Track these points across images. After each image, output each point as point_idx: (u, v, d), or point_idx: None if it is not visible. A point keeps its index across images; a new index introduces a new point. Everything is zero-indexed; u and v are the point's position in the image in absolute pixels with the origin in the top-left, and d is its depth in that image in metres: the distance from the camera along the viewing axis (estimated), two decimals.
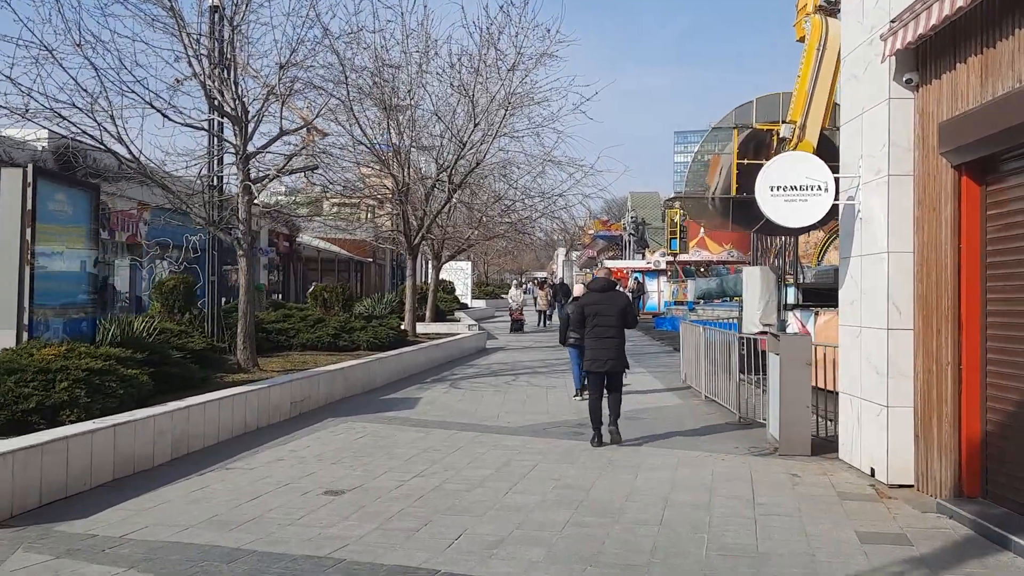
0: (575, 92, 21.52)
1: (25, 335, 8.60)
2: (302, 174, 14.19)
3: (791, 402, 8.44)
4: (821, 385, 9.20)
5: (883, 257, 7.14)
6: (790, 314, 14.58)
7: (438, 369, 17.01)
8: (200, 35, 12.39)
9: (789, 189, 7.69)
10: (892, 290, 7.05)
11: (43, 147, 17.14)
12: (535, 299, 40.28)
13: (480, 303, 49.42)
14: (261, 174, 13.46)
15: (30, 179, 8.63)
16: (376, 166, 19.51)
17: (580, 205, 24.25)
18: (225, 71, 12.73)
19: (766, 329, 14.53)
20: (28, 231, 8.62)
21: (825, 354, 9.44)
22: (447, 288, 40.24)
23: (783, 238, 14.90)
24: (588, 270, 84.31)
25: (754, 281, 14.50)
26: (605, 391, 9.23)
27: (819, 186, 7.69)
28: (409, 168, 20.49)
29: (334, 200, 24.84)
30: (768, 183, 7.69)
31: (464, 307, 40.31)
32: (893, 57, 6.91)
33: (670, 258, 38.64)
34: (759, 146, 12.79)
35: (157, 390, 9.38)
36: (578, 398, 12.81)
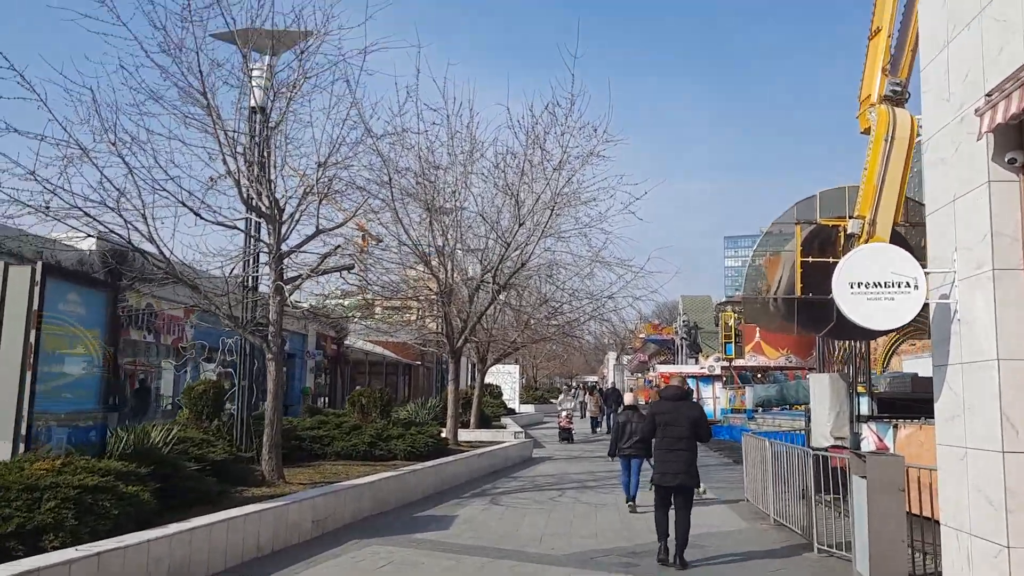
0: (623, 191, 20.83)
1: (23, 447, 7.88)
2: (339, 274, 13.64)
3: (882, 535, 7.20)
4: (908, 509, 8.00)
5: (991, 365, 6.05)
6: (864, 427, 13.27)
7: (479, 481, 15.87)
8: (237, 132, 12.08)
9: (872, 286, 6.72)
10: (1005, 405, 5.93)
11: (91, 249, 16.97)
12: (583, 404, 38.95)
13: (528, 408, 48.15)
14: (295, 274, 12.91)
15: (38, 277, 8.07)
16: (420, 267, 18.96)
17: (630, 308, 23.38)
18: (261, 169, 12.36)
19: (838, 443, 13.23)
20: (33, 333, 8.00)
21: (918, 476, 8.21)
22: (493, 392, 39.20)
23: (851, 342, 13.73)
24: (639, 375, 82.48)
25: (823, 390, 13.29)
26: (671, 509, 8.73)
27: (907, 282, 6.70)
28: (453, 269, 19.92)
29: (385, 304, 24.39)
30: (847, 279, 6.73)
31: (511, 412, 39.11)
32: (991, 134, 6.00)
33: (725, 363, 37.19)
34: (824, 243, 11.84)
35: (165, 507, 8.52)
36: (629, 506, 12.15)
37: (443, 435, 19.18)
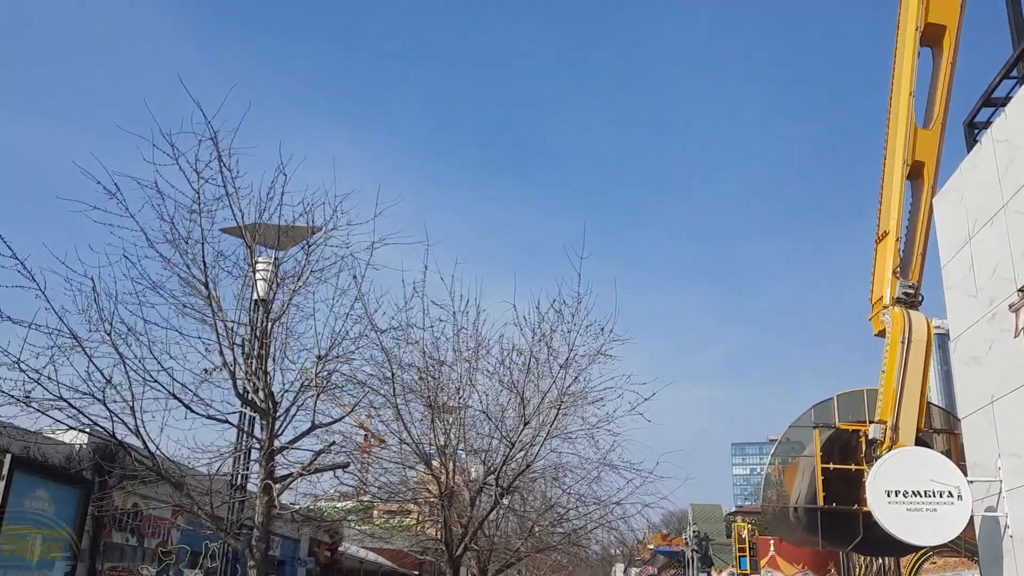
0: (631, 391, 20.38)
1: None
2: (333, 474, 12.92)
3: None
4: None
5: None
6: None
7: None
8: (236, 323, 11.86)
9: (912, 495, 6.13)
10: None
11: (82, 445, 16.38)
12: None
13: None
14: (286, 472, 12.22)
15: (5, 471, 7.51)
16: (420, 467, 18.13)
17: (639, 515, 22.16)
18: (259, 362, 12.04)
19: None
20: None
21: None
22: None
23: (877, 558, 12.72)
24: None
25: None
26: None
27: (949, 491, 6.12)
28: (455, 471, 19.08)
29: (384, 508, 23.15)
30: (883, 486, 6.16)
31: None
32: None
33: None
34: (845, 448, 11.25)
35: None
36: None
37: None
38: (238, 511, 12.36)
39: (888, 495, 6.13)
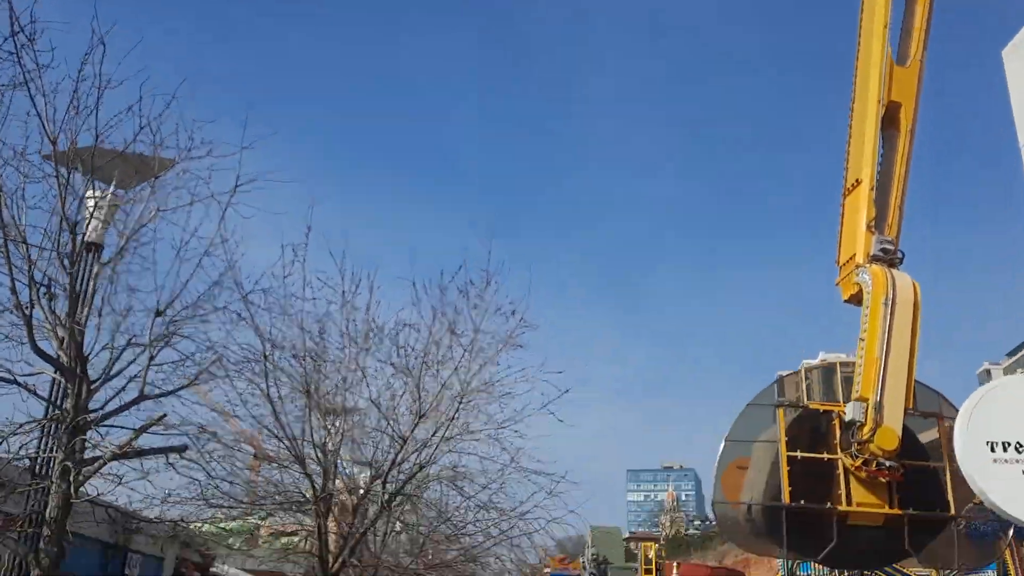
0: (545, 380, 17.93)
1: None
2: (166, 461, 9.99)
3: None
4: None
5: None
6: None
7: None
8: (40, 247, 8.90)
9: None
10: None
11: None
12: None
13: None
14: (103, 453, 9.27)
15: None
16: (295, 467, 15.23)
17: (543, 531, 19.71)
18: (70, 312, 9.15)
19: None
20: None
21: None
22: None
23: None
24: None
25: None
26: None
27: None
28: (335, 473, 16.25)
29: (278, 532, 19.85)
30: (982, 435, 3.97)
31: None
32: None
33: None
34: (814, 434, 9.14)
35: None
36: None
37: None
38: (39, 503, 9.30)
39: (994, 448, 3.98)
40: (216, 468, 12.78)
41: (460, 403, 15.63)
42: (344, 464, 17.63)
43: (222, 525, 19.40)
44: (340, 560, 15.91)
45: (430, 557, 21.24)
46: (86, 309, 9.28)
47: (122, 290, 10.15)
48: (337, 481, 16.38)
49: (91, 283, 9.67)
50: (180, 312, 10.21)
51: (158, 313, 9.89)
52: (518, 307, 15.52)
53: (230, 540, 21.09)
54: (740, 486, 9.84)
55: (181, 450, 9.56)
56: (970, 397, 4.64)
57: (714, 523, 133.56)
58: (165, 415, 9.26)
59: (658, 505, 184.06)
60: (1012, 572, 21.92)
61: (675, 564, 41.46)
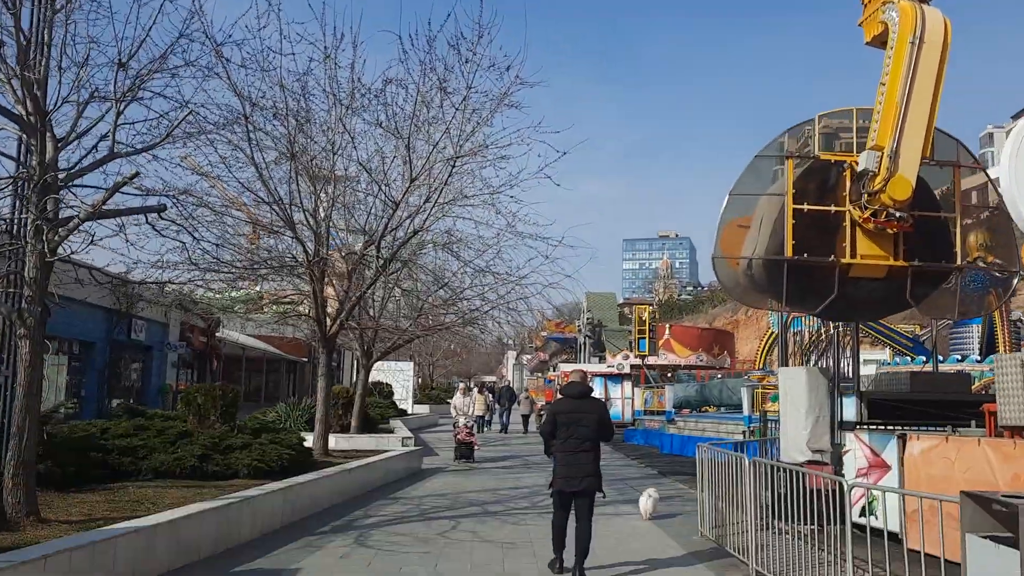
0: (541, 141, 17.21)
1: None
2: (146, 222, 9.64)
3: None
4: (926, 550, 5.13)
5: None
6: (849, 436, 10.20)
7: (347, 507, 12.10)
8: None
9: None
10: None
11: None
12: (495, 405, 35.45)
13: (423, 409, 44.39)
14: (82, 214, 8.86)
15: None
16: (281, 228, 14.97)
17: (540, 296, 19.89)
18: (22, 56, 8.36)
19: (816, 457, 10.13)
20: None
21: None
22: (383, 392, 35.29)
23: (831, 325, 10.66)
24: (539, 374, 79.81)
25: (797, 388, 10.15)
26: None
27: None
28: (327, 237, 16.05)
29: (278, 298, 19.94)
30: None
31: (403, 414, 35.24)
32: None
33: (637, 361, 34.38)
34: (822, 187, 8.67)
35: None
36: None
37: (310, 444, 15.32)
38: (16, 264, 9.01)
39: None
40: (205, 233, 12.50)
41: (453, 167, 15.11)
42: (337, 231, 17.44)
43: (225, 292, 19.54)
44: (338, 322, 16.15)
45: (429, 321, 21.66)
46: (43, 60, 8.51)
47: (81, 41, 9.30)
48: (334, 253, 16.24)
49: (44, 30, 8.81)
50: (146, 66, 9.42)
51: (120, 65, 9.11)
52: (513, 63, 14.53)
53: (236, 308, 21.35)
54: (741, 244, 9.55)
55: (160, 210, 9.17)
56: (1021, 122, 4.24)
57: (705, 289, 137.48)
58: (138, 173, 8.78)
59: (652, 273, 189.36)
60: (998, 323, 22.52)
61: (667, 326, 42.89)
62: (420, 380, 58.35)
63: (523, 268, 18.43)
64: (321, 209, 15.85)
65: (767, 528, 8.25)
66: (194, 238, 10.67)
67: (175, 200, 9.94)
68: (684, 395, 27.13)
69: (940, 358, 25.89)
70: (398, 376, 38.19)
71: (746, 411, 20.87)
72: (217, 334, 41.48)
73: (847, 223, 8.44)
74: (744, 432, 20.49)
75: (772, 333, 30.28)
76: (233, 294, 20.15)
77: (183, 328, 36.06)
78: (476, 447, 19.45)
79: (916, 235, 8.47)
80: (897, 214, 8.11)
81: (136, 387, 33.02)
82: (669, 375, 39.47)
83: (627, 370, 36.61)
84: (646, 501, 11.88)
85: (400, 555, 8.63)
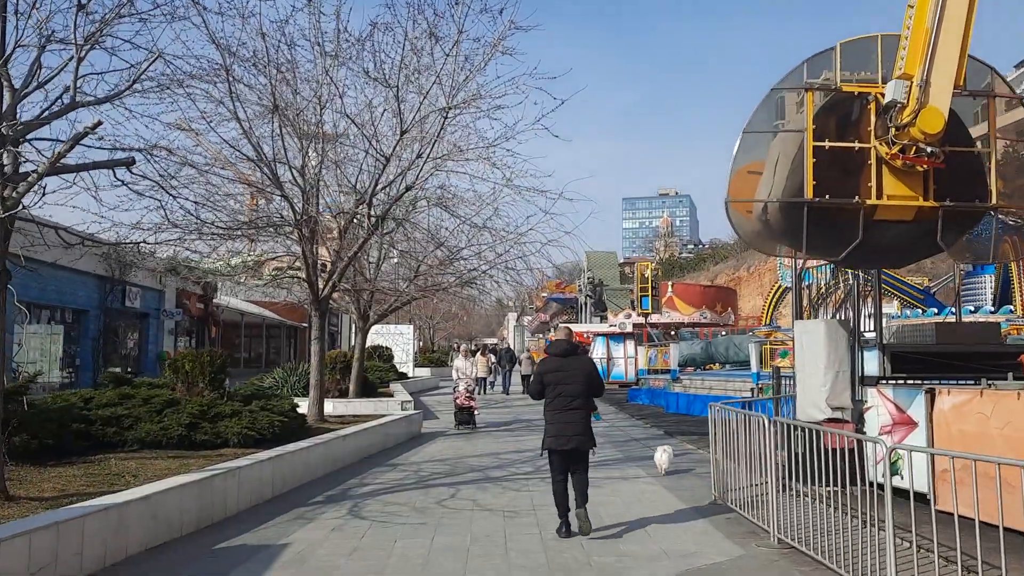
0: (538, 88, 16.42)
1: None
2: (113, 176, 8.93)
3: None
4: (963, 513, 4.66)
5: None
6: (871, 392, 9.62)
7: (342, 475, 11.58)
8: None
9: None
10: None
11: None
12: (499, 366, 35.00)
13: (424, 372, 43.98)
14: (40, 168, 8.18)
15: None
16: (268, 188, 14.26)
17: (539, 255, 19.20)
18: None
19: (836, 415, 9.56)
20: None
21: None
22: (383, 355, 34.81)
23: (851, 274, 10.01)
24: (540, 336, 79.44)
25: (816, 342, 9.55)
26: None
27: None
28: (317, 195, 15.35)
29: (275, 263, 19.23)
30: None
31: (403, 377, 34.79)
32: None
33: (640, 319, 33.80)
34: (844, 122, 7.96)
35: None
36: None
37: (304, 410, 14.79)
38: None
39: None
40: (187, 192, 11.81)
41: (446, 118, 14.35)
42: (328, 189, 16.75)
43: (225, 259, 18.80)
44: (330, 284, 15.52)
45: (428, 282, 21.00)
46: None
47: None
48: (324, 214, 15.54)
49: None
50: (112, 10, 8.69)
51: (80, 6, 8.39)
52: (507, 5, 13.70)
53: (236, 274, 20.66)
54: (753, 192, 8.86)
55: (127, 163, 8.48)
56: None
57: (706, 246, 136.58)
58: (100, 123, 8.08)
59: (653, 232, 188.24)
60: (1014, 273, 21.86)
61: (670, 284, 42.27)
62: (421, 343, 57.97)
63: (522, 225, 17.80)
64: (309, 166, 15.14)
65: (785, 490, 7.69)
66: (171, 195, 9.97)
67: (148, 155, 9.24)
68: (689, 353, 26.59)
69: (952, 310, 25.31)
70: (398, 339, 37.70)
71: (754, 368, 20.35)
72: (215, 300, 40.95)
73: (872, 161, 7.76)
74: (752, 389, 19.96)
75: (780, 287, 29.61)
76: (233, 261, 19.46)
77: (179, 295, 35.50)
78: (476, 411, 18.67)
79: (947, 173, 7.80)
80: (928, 149, 7.43)
81: (133, 355, 32.54)
82: (672, 333, 38.94)
83: (629, 329, 36.07)
84: (661, 455, 11.80)
85: (396, 526, 8.09)
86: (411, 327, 41.04)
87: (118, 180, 8.89)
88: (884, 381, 9.45)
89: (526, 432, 17.35)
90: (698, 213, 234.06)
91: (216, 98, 13.09)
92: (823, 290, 17.71)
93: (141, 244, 10.50)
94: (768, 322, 30.93)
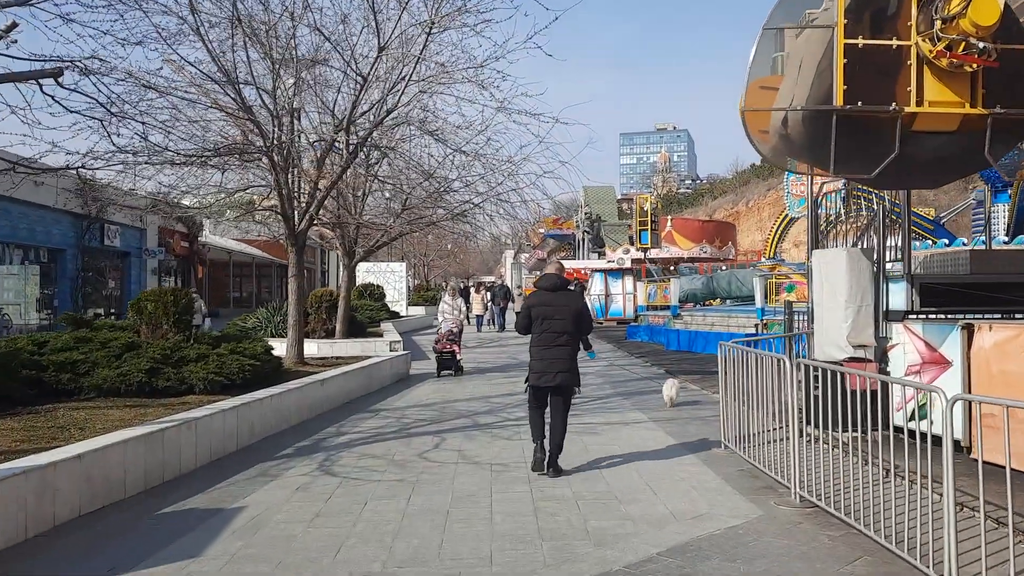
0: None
1: None
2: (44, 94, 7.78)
3: None
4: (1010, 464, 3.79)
5: None
6: (897, 328, 8.68)
7: (318, 424, 10.70)
8: None
9: None
10: None
11: None
12: (494, 303, 34.19)
13: (418, 311, 43.09)
14: None
15: None
16: (236, 112, 13.06)
17: (533, 187, 18.03)
18: None
19: (859, 354, 8.65)
20: None
21: None
22: (374, 294, 33.85)
23: (874, 196, 8.96)
24: (537, 273, 78.66)
25: (837, 274, 8.57)
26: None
27: None
28: (291, 119, 14.17)
29: (265, 201, 17.94)
30: None
31: (395, 316, 33.90)
32: None
33: (639, 253, 32.79)
34: (880, 14, 6.81)
35: None
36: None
37: (282, 352, 13.88)
38: None
39: None
40: (148, 119, 10.65)
41: (429, 33, 13.11)
42: (305, 113, 15.55)
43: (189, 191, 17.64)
44: (307, 216, 14.45)
45: (416, 216, 19.89)
46: None
47: None
48: (294, 130, 14.34)
49: None
50: None
51: None
52: None
53: (210, 211, 19.44)
54: (770, 104, 7.73)
55: (54, 75, 7.36)
56: None
57: (704, 181, 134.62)
58: (15, 24, 6.93)
59: (651, 167, 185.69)
60: None
61: (668, 219, 41.16)
62: (417, 282, 57.06)
63: (516, 155, 16.67)
64: (282, 88, 13.92)
65: (801, 436, 6.81)
66: (112, 114, 8.81)
67: (79, 67, 8.07)
68: (691, 288, 25.65)
69: (963, 241, 24.34)
70: (389, 277, 36.69)
71: (759, 303, 19.43)
72: (200, 239, 39.79)
73: (912, 61, 6.66)
74: (757, 325, 19.08)
75: (786, 217, 28.53)
76: (209, 198, 18.26)
77: (161, 233, 34.34)
78: (459, 356, 16.62)
79: (998, 74, 6.71)
80: (980, 45, 6.34)
81: (115, 296, 31.58)
82: (672, 268, 37.97)
83: (628, 265, 35.07)
84: (670, 389, 11.81)
85: (369, 484, 7.21)
86: (403, 264, 40.00)
87: (48, 96, 7.77)
88: (912, 316, 8.50)
89: (519, 372, 16.48)
90: (696, 148, 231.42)
91: (175, 11, 11.87)
92: (831, 220, 16.65)
93: (81, 170, 9.32)
94: (772, 255, 29.95)
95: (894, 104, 6.74)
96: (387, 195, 20.62)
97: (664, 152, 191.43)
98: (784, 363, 6.62)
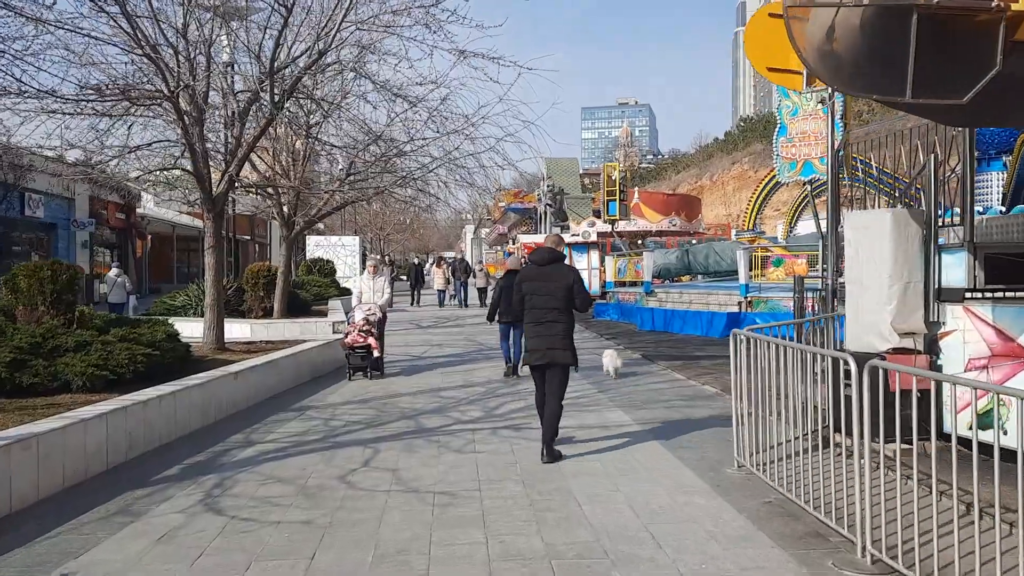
0: None
1: None
2: None
3: None
4: None
5: None
6: (954, 311, 6.82)
7: (225, 429, 8.63)
8: None
9: None
10: None
11: None
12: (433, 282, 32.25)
13: None
14: None
15: None
16: (133, 50, 10.77)
17: (493, 151, 15.98)
18: None
19: (906, 344, 6.84)
20: None
21: None
22: (323, 269, 31.55)
23: (933, 151, 7.09)
24: (499, 248, 76.53)
25: (880, 243, 6.72)
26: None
27: None
28: (209, 67, 11.91)
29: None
30: None
31: (346, 293, 31.68)
32: None
33: (606, 227, 30.91)
34: None
35: None
36: (506, 370, 12.25)
37: (198, 337, 11.73)
38: None
39: None
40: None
41: None
42: (221, 53, 13.30)
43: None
44: (226, 177, 12.25)
45: (363, 181, 17.73)
46: None
47: None
48: (206, 75, 12.05)
49: None
50: None
51: None
52: None
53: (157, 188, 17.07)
54: (780, 46, 5.75)
55: None
56: None
57: (666, 156, 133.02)
58: None
59: (612, 142, 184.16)
60: None
61: (635, 190, 39.35)
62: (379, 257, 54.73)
63: (474, 116, 14.65)
64: (193, 29, 11.66)
65: (864, 460, 4.98)
66: None
67: None
68: (664, 263, 23.84)
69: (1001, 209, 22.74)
70: (340, 252, 34.34)
71: (742, 279, 17.64)
72: (138, 210, 37.02)
73: None
74: (740, 303, 17.32)
75: (772, 182, 26.74)
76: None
77: (92, 203, 31.61)
78: (375, 352, 12.26)
79: None
80: None
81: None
82: (640, 242, 36.19)
83: (593, 238, 33.16)
84: (613, 359, 11.77)
85: (264, 528, 5.22)
86: (357, 239, 37.60)
87: None
88: (976, 295, 6.66)
89: (477, 359, 14.55)
90: (657, 123, 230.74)
91: None
92: (816, 184, 14.80)
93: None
94: (751, 227, 28.26)
95: (995, 1, 4.82)
96: (329, 159, 18.49)
97: (626, 127, 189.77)
98: (847, 362, 4.72)
